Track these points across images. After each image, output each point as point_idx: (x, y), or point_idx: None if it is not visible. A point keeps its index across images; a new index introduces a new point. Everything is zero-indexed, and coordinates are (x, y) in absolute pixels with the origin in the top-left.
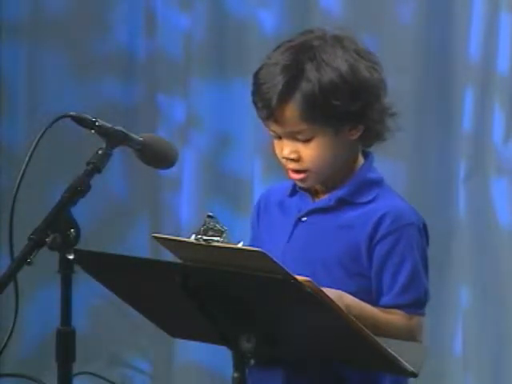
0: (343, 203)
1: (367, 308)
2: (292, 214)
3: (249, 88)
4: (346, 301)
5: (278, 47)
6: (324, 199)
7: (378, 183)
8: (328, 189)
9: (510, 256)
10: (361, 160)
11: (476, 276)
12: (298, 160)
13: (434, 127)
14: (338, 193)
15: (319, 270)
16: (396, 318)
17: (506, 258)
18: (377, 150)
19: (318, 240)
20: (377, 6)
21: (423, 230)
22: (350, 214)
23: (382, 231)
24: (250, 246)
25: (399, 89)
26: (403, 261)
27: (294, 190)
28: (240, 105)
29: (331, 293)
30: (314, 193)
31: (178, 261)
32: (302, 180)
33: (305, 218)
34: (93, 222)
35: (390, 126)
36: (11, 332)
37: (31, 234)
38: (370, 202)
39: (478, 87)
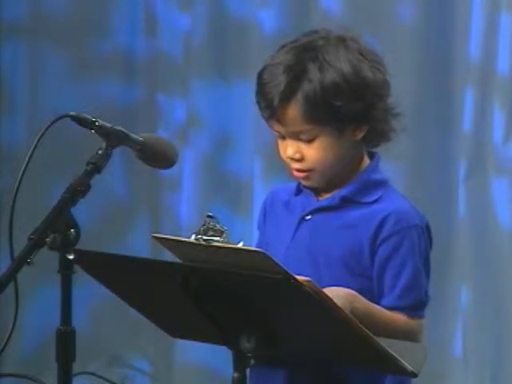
0: (347, 202)
1: (373, 309)
2: (296, 213)
3: (249, 88)
4: (355, 303)
5: (282, 47)
6: (328, 198)
7: (382, 184)
8: (332, 188)
9: (510, 256)
10: (366, 160)
11: (476, 276)
12: (301, 160)
13: (434, 127)
14: (342, 192)
15: (322, 268)
16: (398, 319)
17: (506, 258)
18: (376, 150)
19: (321, 239)
20: (377, 6)
21: (426, 232)
22: (353, 214)
23: (385, 232)
24: (256, 247)
25: (399, 89)
26: (405, 263)
27: (299, 190)
28: (240, 105)
29: (342, 292)
30: (318, 192)
31: (178, 261)
32: (305, 179)
33: (309, 217)
34: (93, 222)
35: (395, 126)
36: (11, 332)
37: (31, 234)
38: (373, 202)
39: (478, 87)
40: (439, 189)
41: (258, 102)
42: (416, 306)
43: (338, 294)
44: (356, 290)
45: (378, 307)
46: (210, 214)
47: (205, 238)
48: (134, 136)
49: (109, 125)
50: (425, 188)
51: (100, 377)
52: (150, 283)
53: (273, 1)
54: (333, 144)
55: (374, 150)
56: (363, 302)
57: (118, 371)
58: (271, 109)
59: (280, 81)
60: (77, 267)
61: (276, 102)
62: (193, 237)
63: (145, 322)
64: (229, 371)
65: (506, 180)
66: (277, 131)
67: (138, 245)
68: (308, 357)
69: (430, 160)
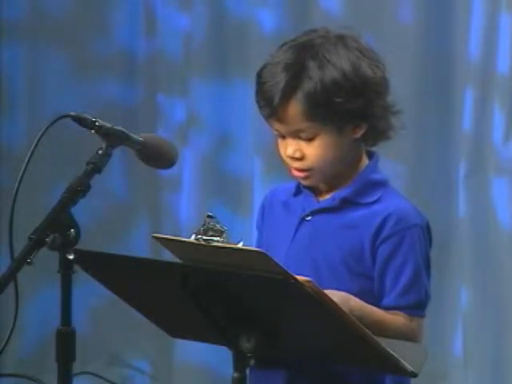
0: (347, 203)
1: (370, 310)
2: (296, 214)
3: (249, 88)
4: (351, 303)
5: (282, 46)
6: (328, 199)
7: (382, 184)
8: (332, 188)
9: (510, 256)
10: (365, 160)
11: (476, 276)
12: (301, 159)
13: (434, 127)
14: (342, 193)
15: (323, 269)
16: (397, 319)
17: (506, 258)
18: (377, 150)
19: (321, 240)
20: (377, 6)
21: (426, 232)
22: (354, 215)
23: (385, 232)
24: (256, 247)
25: (399, 89)
26: (405, 262)
27: (299, 190)
28: (240, 105)
29: (336, 295)
30: (318, 192)
31: (178, 261)
32: (305, 178)
33: (309, 218)
34: (93, 222)
35: (394, 124)
36: (11, 332)
37: (31, 234)
38: (374, 202)
39: (478, 87)
40: (439, 189)
41: (258, 101)
42: (416, 306)
43: (333, 294)
44: (356, 291)
45: (375, 310)
46: (210, 213)
47: (205, 238)
48: (134, 136)
49: (109, 125)
50: (425, 188)
51: (100, 377)
52: (150, 283)
53: (273, 1)
54: (333, 142)
55: (373, 149)
56: (359, 303)
57: (117, 371)
58: (271, 107)
59: (280, 79)
60: (77, 267)
61: (276, 100)
62: (193, 237)
63: (145, 322)
64: (229, 371)
65: (506, 180)
66: (277, 130)
67: (138, 245)
68: (308, 357)
69: (430, 160)
